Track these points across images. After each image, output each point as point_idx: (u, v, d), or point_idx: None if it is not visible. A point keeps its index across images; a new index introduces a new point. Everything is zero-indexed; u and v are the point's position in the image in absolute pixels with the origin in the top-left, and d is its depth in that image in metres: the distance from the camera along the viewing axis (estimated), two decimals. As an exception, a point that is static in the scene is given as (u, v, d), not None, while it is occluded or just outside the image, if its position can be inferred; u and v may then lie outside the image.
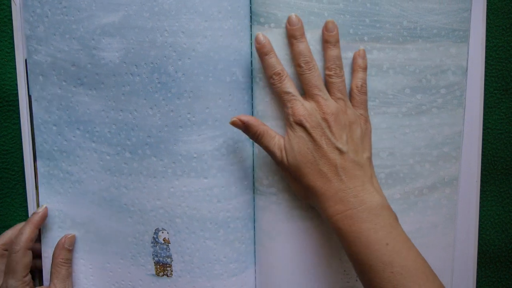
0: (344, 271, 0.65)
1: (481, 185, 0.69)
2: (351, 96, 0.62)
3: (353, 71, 0.63)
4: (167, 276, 0.66)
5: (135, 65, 0.61)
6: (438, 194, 0.66)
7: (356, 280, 0.65)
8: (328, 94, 0.60)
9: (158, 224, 0.65)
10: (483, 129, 0.68)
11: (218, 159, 0.64)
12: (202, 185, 0.64)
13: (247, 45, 0.63)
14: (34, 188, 0.67)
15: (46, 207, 0.67)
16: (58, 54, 0.63)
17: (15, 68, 0.65)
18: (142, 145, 0.63)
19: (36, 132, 0.66)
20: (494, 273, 0.71)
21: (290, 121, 0.60)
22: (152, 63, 0.61)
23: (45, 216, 0.67)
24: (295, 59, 0.60)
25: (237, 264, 0.66)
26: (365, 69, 0.63)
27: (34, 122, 0.66)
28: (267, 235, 0.65)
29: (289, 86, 0.60)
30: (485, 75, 0.67)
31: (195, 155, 0.63)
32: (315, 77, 0.60)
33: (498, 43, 0.66)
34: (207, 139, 0.63)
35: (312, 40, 0.61)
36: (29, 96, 0.65)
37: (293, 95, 0.60)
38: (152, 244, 0.65)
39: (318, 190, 0.58)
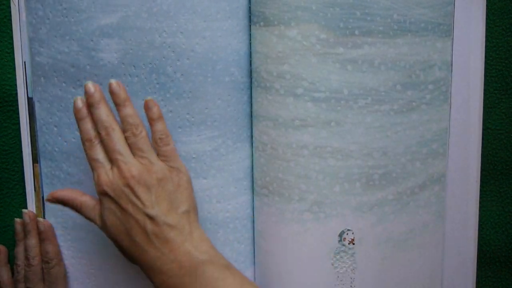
0: (338, 277, 0.65)
1: (481, 185, 0.68)
2: (156, 150, 0.59)
3: (149, 124, 0.60)
4: (166, 276, 0.66)
5: (134, 66, 0.61)
6: (428, 192, 0.66)
7: (351, 286, 0.65)
8: (131, 157, 0.57)
9: (157, 224, 0.65)
10: (483, 129, 0.67)
11: (217, 159, 0.64)
12: (202, 186, 0.64)
13: (246, 45, 0.63)
14: (33, 188, 0.68)
15: (45, 221, 0.68)
16: (58, 55, 0.63)
17: (14, 69, 0.66)
18: (141, 145, 0.63)
19: (38, 133, 0.66)
20: (494, 273, 0.71)
21: (97, 192, 0.57)
22: (150, 63, 0.61)
23: (52, 228, 0.68)
24: (96, 127, 0.58)
25: (236, 265, 0.66)
26: (159, 119, 0.59)
27: (37, 124, 0.66)
28: (262, 236, 0.65)
29: (98, 153, 0.58)
30: (485, 75, 0.66)
31: (194, 156, 0.63)
32: (114, 141, 0.57)
33: (498, 43, 0.66)
34: (206, 139, 0.63)
35: (298, 36, 0.59)
36: (29, 97, 0.66)
37: (99, 162, 0.57)
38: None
39: (139, 262, 0.56)
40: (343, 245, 0.64)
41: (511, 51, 0.66)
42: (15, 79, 0.66)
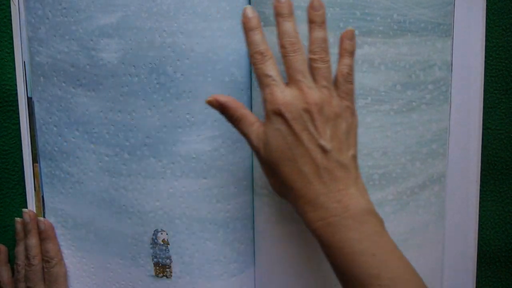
0: (338, 277, 0.65)
1: (481, 185, 0.68)
2: (336, 85, 0.55)
3: (339, 56, 0.56)
4: (167, 277, 0.66)
5: (134, 66, 0.61)
6: (428, 192, 0.65)
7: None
8: (312, 82, 0.53)
9: (157, 225, 0.65)
10: (483, 129, 0.68)
11: (217, 159, 0.64)
12: (202, 186, 0.64)
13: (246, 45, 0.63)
14: (33, 188, 0.68)
15: (46, 220, 0.68)
16: (58, 55, 0.63)
17: (14, 69, 0.66)
18: (141, 146, 0.63)
19: (38, 133, 0.66)
20: (494, 273, 0.71)
21: (267, 110, 0.53)
22: (150, 63, 0.61)
23: (53, 228, 0.68)
24: (280, 39, 0.54)
25: (236, 265, 0.66)
26: (352, 53, 0.56)
27: (36, 123, 0.66)
28: (262, 236, 0.65)
29: (271, 69, 0.53)
30: (485, 75, 0.66)
31: (194, 156, 0.63)
32: (300, 61, 0.53)
33: (498, 43, 0.66)
34: (206, 139, 0.63)
35: (299, 36, 0.59)
36: (28, 97, 0.66)
37: (273, 80, 0.53)
38: (151, 245, 0.66)
39: (297, 192, 0.52)
40: (343, 245, 0.64)
41: (511, 51, 0.66)
42: (15, 79, 0.66)
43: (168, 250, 0.65)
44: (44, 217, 0.68)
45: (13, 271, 0.68)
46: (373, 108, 0.62)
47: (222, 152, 0.64)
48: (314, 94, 0.52)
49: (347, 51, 0.56)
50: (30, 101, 0.66)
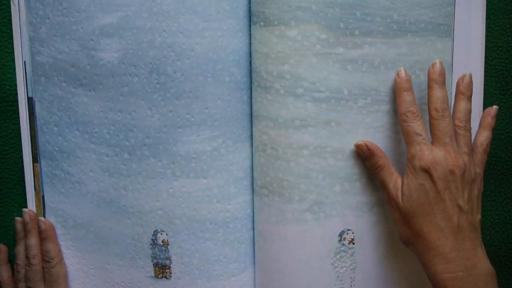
0: (338, 276, 0.64)
1: (481, 185, 0.69)
2: (473, 152, 0.62)
3: (480, 127, 0.64)
4: (166, 278, 0.66)
5: (134, 66, 0.61)
6: None
7: (351, 286, 0.65)
8: (456, 146, 0.59)
9: (157, 225, 0.65)
10: (483, 129, 0.68)
11: (217, 159, 0.64)
12: (202, 186, 0.64)
13: (246, 45, 0.63)
14: (33, 188, 0.68)
15: (47, 220, 0.68)
16: (58, 55, 0.63)
17: (14, 68, 0.66)
18: (141, 146, 0.63)
19: (39, 132, 0.66)
20: (494, 274, 0.71)
21: (414, 165, 0.58)
22: (150, 63, 0.61)
23: (53, 227, 0.69)
24: (432, 102, 0.59)
25: (236, 265, 0.66)
26: (492, 128, 0.63)
27: (37, 123, 0.66)
28: (262, 236, 0.65)
29: (422, 128, 0.58)
30: (485, 75, 0.66)
31: (194, 156, 0.63)
32: (449, 126, 0.58)
33: (498, 43, 0.66)
34: (206, 139, 0.63)
35: (298, 36, 0.59)
36: (29, 97, 0.66)
37: (423, 138, 0.58)
38: (151, 246, 0.65)
39: (431, 244, 0.57)
40: (343, 245, 0.64)
41: (511, 51, 0.66)
42: (15, 79, 0.66)
43: (168, 250, 0.65)
44: (44, 217, 0.68)
45: (13, 271, 0.68)
46: (373, 108, 0.62)
47: (222, 152, 0.64)
48: (459, 158, 0.58)
49: (490, 125, 0.64)
50: (30, 101, 0.66)
